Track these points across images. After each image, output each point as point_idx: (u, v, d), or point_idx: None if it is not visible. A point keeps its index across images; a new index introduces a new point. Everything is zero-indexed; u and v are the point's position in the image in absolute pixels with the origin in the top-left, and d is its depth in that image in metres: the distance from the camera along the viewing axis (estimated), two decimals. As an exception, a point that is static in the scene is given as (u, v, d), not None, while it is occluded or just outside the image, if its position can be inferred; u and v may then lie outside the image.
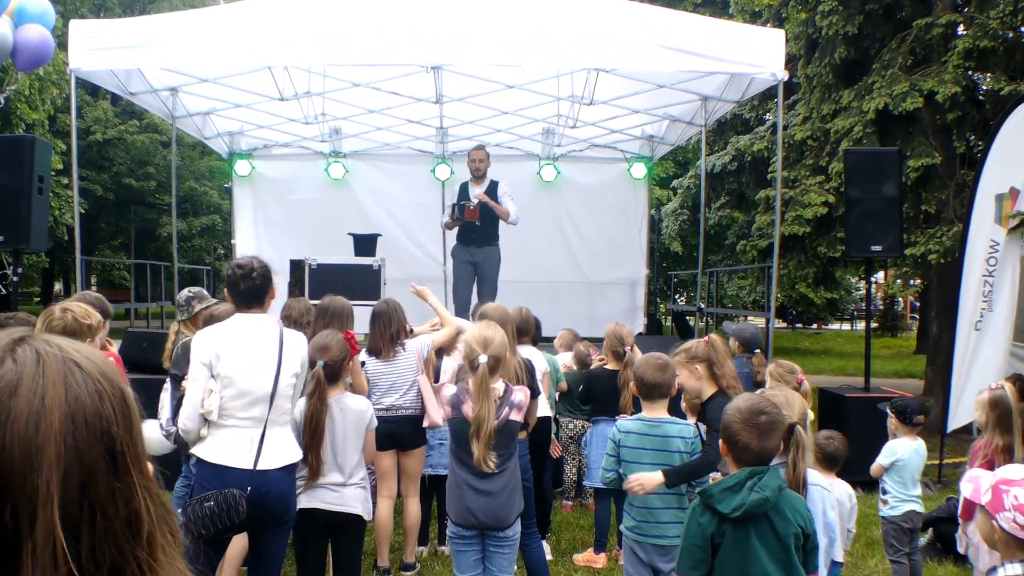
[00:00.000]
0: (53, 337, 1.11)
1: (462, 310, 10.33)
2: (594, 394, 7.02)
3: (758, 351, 7.62)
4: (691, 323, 24.55)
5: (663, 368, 4.74)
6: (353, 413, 4.86)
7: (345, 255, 11.35)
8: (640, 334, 13.10)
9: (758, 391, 4.02)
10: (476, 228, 10.87)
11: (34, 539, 0.98)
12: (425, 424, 6.09)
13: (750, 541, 3.24)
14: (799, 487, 3.54)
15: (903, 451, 5.95)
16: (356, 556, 5.04)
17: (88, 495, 1.02)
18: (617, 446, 4.81)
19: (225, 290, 4.64)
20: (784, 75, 8.74)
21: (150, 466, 1.13)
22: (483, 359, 4.44)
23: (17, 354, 1.06)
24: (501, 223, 11.12)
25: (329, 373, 4.76)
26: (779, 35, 8.86)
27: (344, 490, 4.81)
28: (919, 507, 6.01)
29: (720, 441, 3.48)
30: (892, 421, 6.07)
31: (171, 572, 1.11)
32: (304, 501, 4.77)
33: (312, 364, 4.74)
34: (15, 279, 9.13)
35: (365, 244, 11.69)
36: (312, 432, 4.67)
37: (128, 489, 1.06)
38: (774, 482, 3.24)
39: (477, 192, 10.87)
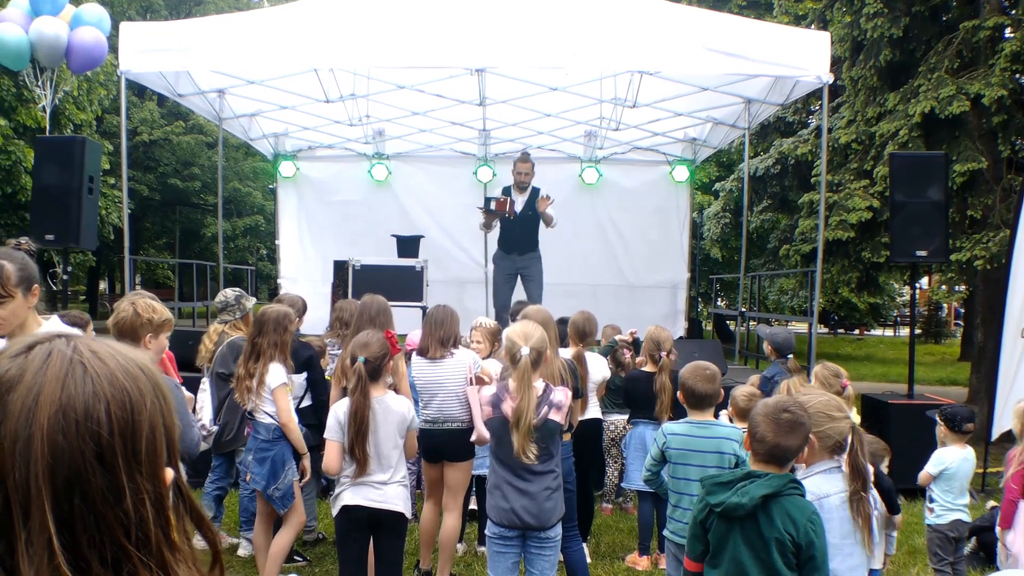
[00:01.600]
0: (86, 338, 1.14)
1: (500, 317, 10.32)
2: (632, 396, 7.02)
3: (791, 356, 7.56)
4: (732, 327, 24.44)
5: (711, 379, 4.76)
6: (395, 414, 4.89)
7: (388, 256, 11.41)
8: (681, 338, 13.06)
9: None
10: (518, 235, 10.84)
11: (28, 529, 1.01)
12: (473, 438, 6.03)
13: (733, 536, 3.34)
14: (869, 485, 3.56)
15: (951, 460, 5.88)
16: (398, 553, 5.07)
17: (78, 493, 1.04)
18: (661, 449, 4.83)
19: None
20: (829, 78, 8.68)
21: (170, 472, 1.14)
22: (525, 351, 4.45)
23: (32, 352, 1.10)
24: (541, 228, 11.13)
25: (370, 369, 4.79)
26: (824, 37, 8.79)
27: (386, 488, 4.85)
28: (966, 516, 5.94)
29: (744, 435, 3.59)
30: (941, 429, 6.01)
31: (179, 571, 1.12)
32: (347, 498, 4.82)
33: (353, 360, 4.79)
34: (64, 277, 9.28)
35: (408, 245, 11.75)
36: (358, 427, 4.72)
37: (119, 491, 1.07)
38: (759, 491, 3.26)
39: (519, 200, 10.88)
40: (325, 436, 4.91)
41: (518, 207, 10.89)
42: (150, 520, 1.09)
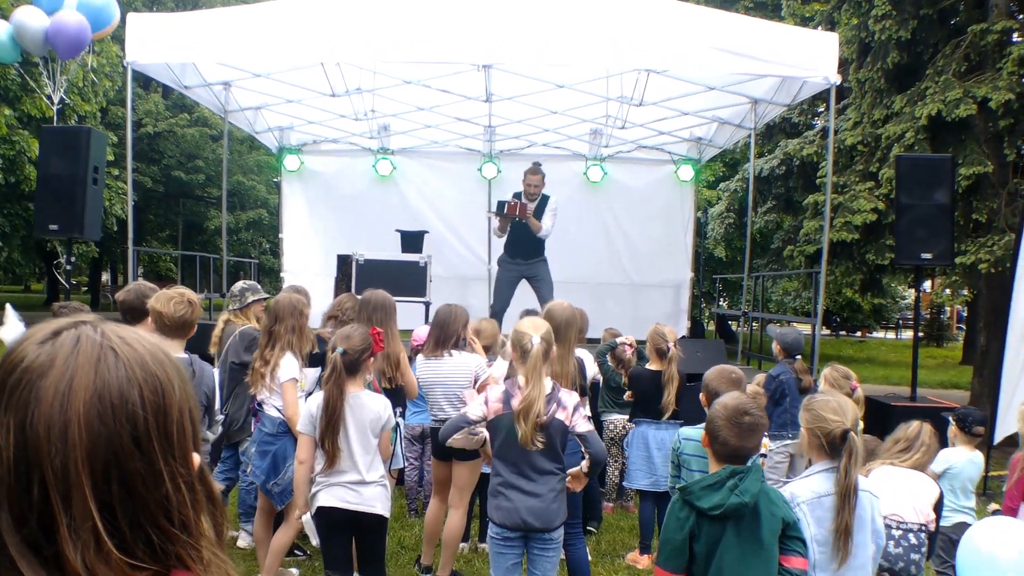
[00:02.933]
0: (108, 324, 1.14)
1: (497, 318, 10.22)
2: (637, 395, 7.00)
3: (799, 357, 7.59)
4: (734, 328, 24.44)
5: (737, 383, 4.74)
6: (369, 411, 4.79)
7: (392, 251, 11.40)
8: (683, 337, 13.03)
9: (808, 396, 3.98)
10: (526, 241, 10.74)
11: (71, 515, 1.02)
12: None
13: (726, 537, 3.32)
14: (849, 494, 3.54)
15: (957, 460, 5.88)
16: (380, 549, 5.03)
17: (116, 475, 1.05)
18: (677, 453, 4.84)
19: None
20: (837, 79, 8.67)
21: (197, 457, 1.15)
22: (536, 341, 4.41)
23: (60, 338, 1.10)
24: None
25: (347, 362, 4.69)
26: (832, 38, 8.78)
27: (364, 489, 4.76)
28: (971, 518, 5.91)
29: (702, 432, 3.62)
30: (952, 429, 6.02)
31: (217, 563, 1.14)
32: (323, 499, 4.75)
33: (332, 350, 4.74)
34: (68, 268, 9.28)
35: (412, 240, 11.74)
36: (328, 419, 4.64)
37: (156, 474, 1.08)
38: (755, 486, 3.30)
39: (512, 200, 10.71)
40: (298, 429, 4.88)
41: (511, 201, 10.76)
42: (188, 503, 1.11)
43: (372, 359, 4.99)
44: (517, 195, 10.90)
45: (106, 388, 1.07)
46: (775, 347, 7.73)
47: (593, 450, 4.59)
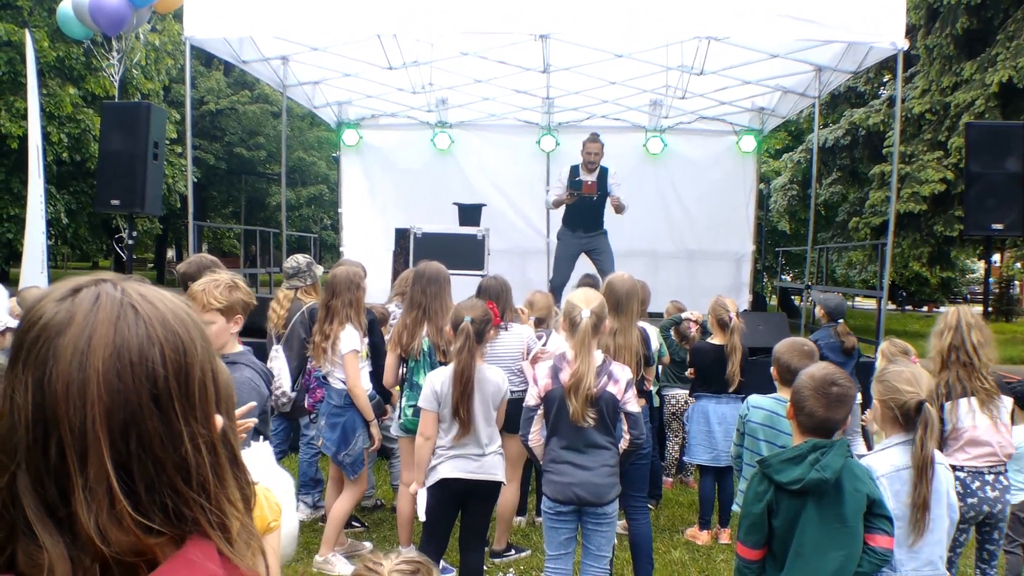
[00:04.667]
0: (129, 282, 1.12)
1: (556, 292, 10.19)
2: (699, 369, 6.90)
3: (841, 321, 7.75)
4: (796, 302, 24.09)
5: (810, 355, 4.63)
6: (491, 383, 4.86)
7: (450, 224, 11.37)
8: (745, 311, 12.85)
9: (880, 368, 3.87)
10: (586, 214, 10.60)
11: (86, 475, 0.99)
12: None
13: (807, 513, 3.23)
14: (927, 467, 3.43)
15: (1022, 439, 5.71)
16: (487, 519, 5.10)
17: (135, 435, 1.02)
18: (743, 421, 4.75)
19: None
20: (904, 44, 8.41)
21: (220, 419, 1.13)
22: (585, 314, 4.36)
23: (79, 296, 1.07)
24: (607, 206, 10.92)
25: (476, 330, 4.76)
26: (900, 2, 8.52)
27: (484, 459, 4.83)
28: (1041, 496, 5.76)
29: (788, 404, 3.52)
30: (1013, 406, 5.83)
31: (234, 522, 1.11)
32: (445, 471, 4.79)
33: (459, 322, 4.76)
34: (130, 242, 9.38)
35: (470, 214, 11.70)
36: (463, 387, 4.69)
37: (175, 435, 1.05)
38: (837, 462, 3.21)
39: (590, 179, 10.62)
40: (420, 404, 4.90)
41: (588, 179, 10.62)
42: (207, 466, 1.08)
43: (492, 330, 5.07)
44: (575, 168, 10.77)
45: (125, 345, 1.04)
46: (818, 311, 7.95)
47: (635, 432, 4.55)
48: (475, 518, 4.99)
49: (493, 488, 4.94)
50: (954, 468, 4.54)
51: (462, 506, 4.96)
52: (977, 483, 4.78)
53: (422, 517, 4.95)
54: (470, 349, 4.70)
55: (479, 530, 5.02)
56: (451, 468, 4.78)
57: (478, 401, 4.77)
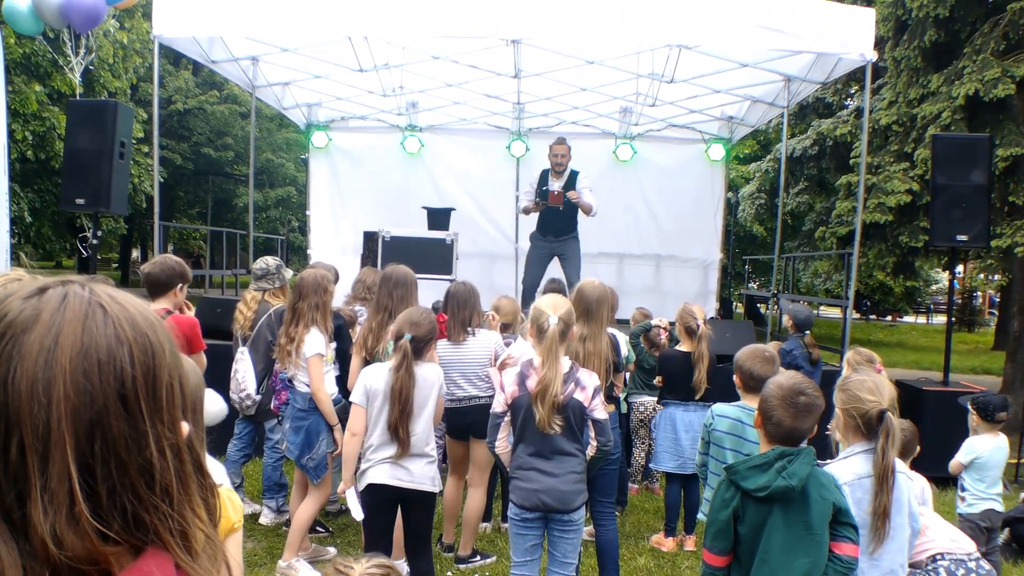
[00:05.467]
0: (97, 284, 1.10)
1: (527, 296, 10.21)
2: (667, 376, 6.91)
3: (808, 332, 7.97)
4: (763, 310, 24.23)
5: (770, 361, 4.64)
6: (428, 383, 4.81)
7: (419, 228, 11.34)
8: (712, 318, 12.91)
9: (842, 377, 3.88)
10: (557, 218, 10.62)
11: (47, 477, 0.97)
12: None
13: (773, 520, 3.25)
14: (887, 475, 3.45)
15: (983, 449, 5.79)
16: (428, 525, 5.03)
17: (100, 436, 1.00)
18: (708, 430, 4.75)
19: None
20: (873, 56, 8.51)
21: (185, 426, 1.11)
22: (553, 320, 4.34)
23: (46, 295, 1.05)
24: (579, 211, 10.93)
25: (415, 348, 4.71)
26: (869, 14, 8.62)
27: (413, 467, 4.77)
28: (998, 506, 5.86)
29: (755, 413, 3.54)
30: (973, 417, 5.92)
31: (197, 532, 1.09)
32: (373, 476, 4.74)
33: (399, 337, 4.70)
34: (94, 242, 9.27)
35: (439, 218, 11.67)
36: (402, 407, 4.63)
37: (141, 437, 1.03)
38: (803, 469, 3.23)
39: (557, 186, 10.57)
40: (351, 400, 4.85)
41: (555, 188, 10.62)
42: (171, 471, 1.06)
43: (434, 345, 5.01)
44: (545, 173, 10.77)
45: (93, 345, 1.02)
46: (787, 321, 8.18)
47: (602, 439, 4.53)
48: (414, 527, 4.93)
49: (424, 497, 4.86)
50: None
51: (401, 509, 4.91)
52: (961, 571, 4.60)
53: (357, 518, 4.90)
54: (408, 368, 4.65)
55: (420, 539, 4.95)
56: (379, 474, 4.73)
57: (416, 410, 4.73)
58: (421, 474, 4.79)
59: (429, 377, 4.83)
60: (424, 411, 4.79)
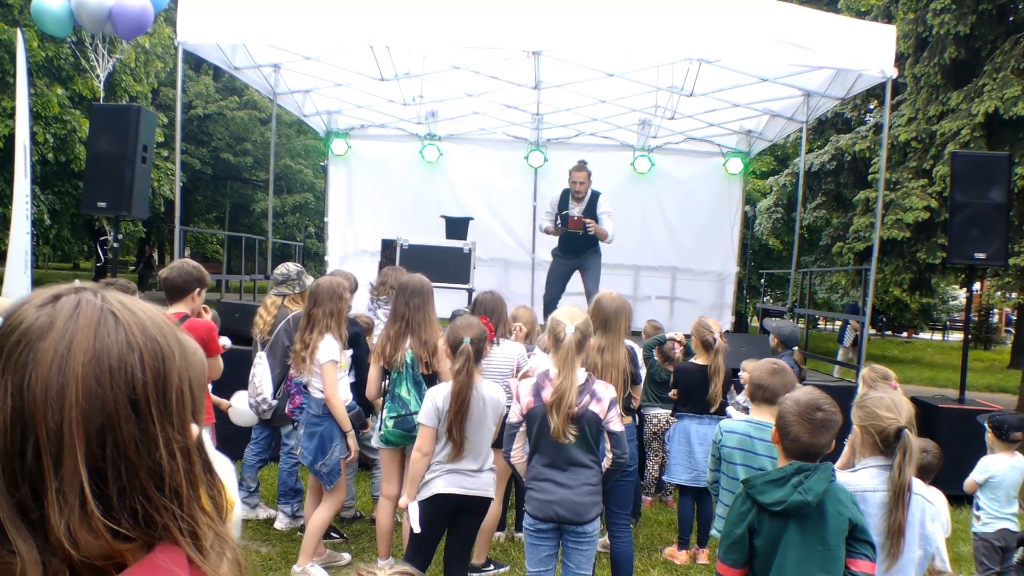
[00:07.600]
0: (109, 291, 1.14)
1: (547, 310, 10.19)
2: (682, 389, 6.92)
3: (796, 348, 8.00)
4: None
5: (779, 372, 4.64)
6: (490, 400, 4.85)
7: (436, 237, 11.38)
8: (727, 332, 12.89)
9: (860, 394, 3.89)
10: (577, 239, 10.53)
11: (60, 478, 1.01)
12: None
13: (789, 535, 3.24)
14: (903, 493, 3.44)
15: (998, 468, 5.77)
16: (476, 533, 5.12)
17: (111, 439, 1.04)
18: (717, 446, 4.75)
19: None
20: (894, 72, 8.50)
21: (195, 428, 1.15)
22: (570, 330, 4.36)
23: (59, 302, 1.09)
24: None
25: (475, 351, 4.75)
26: (890, 31, 8.60)
27: (479, 476, 4.84)
28: (1013, 525, 5.82)
29: (772, 429, 3.53)
30: (989, 436, 5.89)
31: (206, 531, 1.13)
32: (440, 486, 4.77)
33: (458, 343, 4.74)
34: (115, 245, 9.35)
35: (457, 227, 11.70)
36: (458, 408, 4.67)
37: (151, 440, 1.07)
38: (820, 485, 3.23)
39: (577, 211, 10.47)
40: (420, 420, 4.88)
41: (575, 212, 10.48)
42: (181, 472, 1.10)
43: (489, 346, 5.08)
44: (565, 192, 10.70)
45: (105, 351, 1.06)
46: (772, 340, 8.13)
47: (618, 451, 4.55)
48: (462, 534, 4.97)
49: (484, 504, 4.94)
50: None
51: (449, 523, 4.95)
52: None
53: (416, 530, 4.92)
54: (469, 371, 4.69)
55: (466, 546, 5.01)
56: (446, 483, 4.77)
57: (477, 420, 4.76)
58: (485, 482, 4.87)
59: (491, 395, 4.87)
60: (484, 426, 4.82)
